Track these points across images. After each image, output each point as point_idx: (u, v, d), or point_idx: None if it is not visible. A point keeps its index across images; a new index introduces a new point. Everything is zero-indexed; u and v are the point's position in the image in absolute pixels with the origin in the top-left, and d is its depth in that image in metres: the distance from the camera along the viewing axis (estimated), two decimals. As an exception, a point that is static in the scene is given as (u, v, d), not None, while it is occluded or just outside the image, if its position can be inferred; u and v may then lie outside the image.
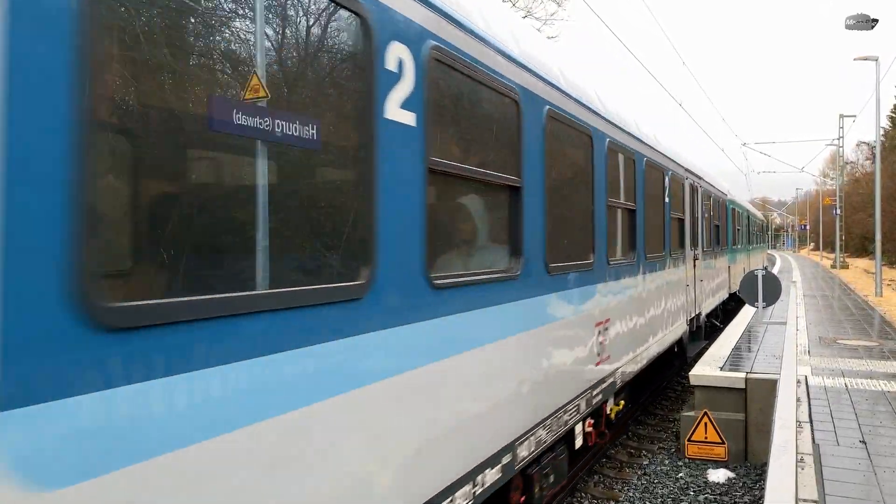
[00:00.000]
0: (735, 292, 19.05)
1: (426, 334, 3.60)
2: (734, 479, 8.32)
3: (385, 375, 3.27)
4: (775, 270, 35.70)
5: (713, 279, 15.41)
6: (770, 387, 8.77)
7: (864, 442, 6.67)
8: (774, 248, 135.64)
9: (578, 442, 6.55)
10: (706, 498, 7.79)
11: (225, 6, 2.59)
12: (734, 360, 10.38)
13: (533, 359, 5.15)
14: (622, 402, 8.06)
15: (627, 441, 10.07)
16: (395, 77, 3.27)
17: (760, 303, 12.26)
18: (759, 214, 37.46)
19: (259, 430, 2.51)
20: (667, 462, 8.97)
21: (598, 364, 6.78)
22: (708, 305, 14.50)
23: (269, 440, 2.56)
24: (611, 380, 7.21)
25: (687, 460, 8.95)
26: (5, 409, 1.70)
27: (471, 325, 4.14)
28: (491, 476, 4.36)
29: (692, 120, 29.04)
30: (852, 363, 10.75)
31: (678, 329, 10.88)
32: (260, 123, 2.54)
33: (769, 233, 48.10)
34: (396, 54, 3.28)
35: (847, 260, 53.99)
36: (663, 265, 9.62)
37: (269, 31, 2.71)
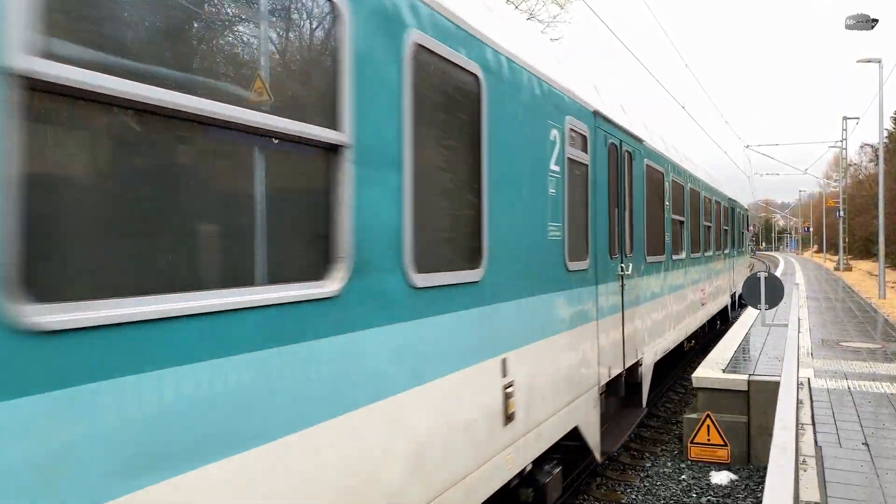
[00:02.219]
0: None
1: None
2: (737, 481, 8.32)
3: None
4: (778, 272, 35.63)
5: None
6: (773, 389, 8.76)
7: (866, 444, 6.68)
8: (777, 250, 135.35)
9: None
10: (708, 500, 7.79)
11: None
12: (737, 363, 10.38)
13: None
14: None
15: (630, 443, 10.08)
16: None
17: (763, 305, 12.25)
18: (719, 188, 17.52)
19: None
20: (669, 464, 8.97)
21: None
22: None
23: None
24: None
25: (689, 462, 8.95)
26: None
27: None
28: None
29: (695, 122, 29.10)
30: (855, 365, 10.74)
31: None
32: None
33: (747, 228, 27.55)
34: None
35: (850, 262, 53.92)
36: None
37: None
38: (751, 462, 8.92)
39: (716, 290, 16.09)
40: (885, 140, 41.47)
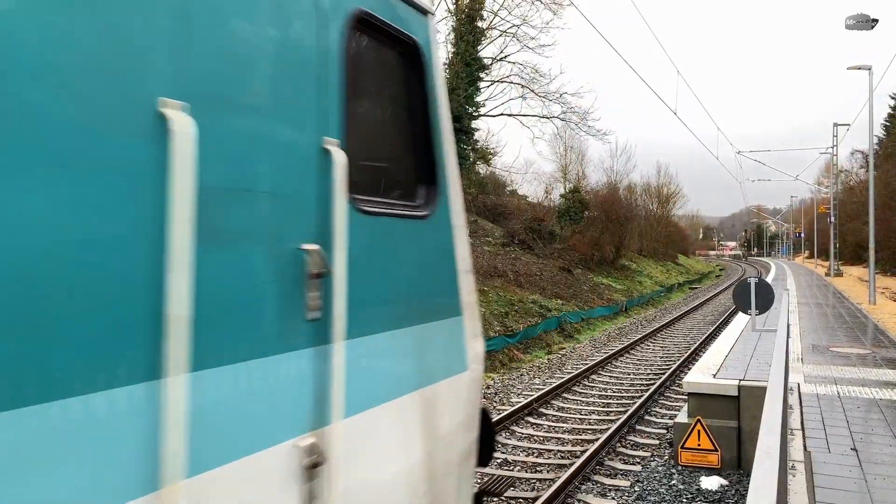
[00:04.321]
0: None
1: None
2: (727, 486, 8.32)
3: None
4: (769, 278, 35.77)
5: None
6: (763, 394, 8.76)
7: (855, 449, 6.69)
8: (769, 255, 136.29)
9: None
10: (699, 505, 7.79)
11: None
12: (727, 368, 10.39)
13: None
14: None
15: (621, 448, 10.08)
16: None
17: (753, 310, 12.29)
18: None
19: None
20: (660, 469, 8.97)
21: None
22: None
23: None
24: None
25: (680, 467, 8.95)
26: None
27: None
28: None
29: (687, 128, 29.20)
30: (845, 371, 10.78)
31: None
32: None
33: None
34: None
35: (841, 268, 54.23)
36: None
37: None
38: (741, 467, 8.92)
39: None
40: (876, 146, 41.80)
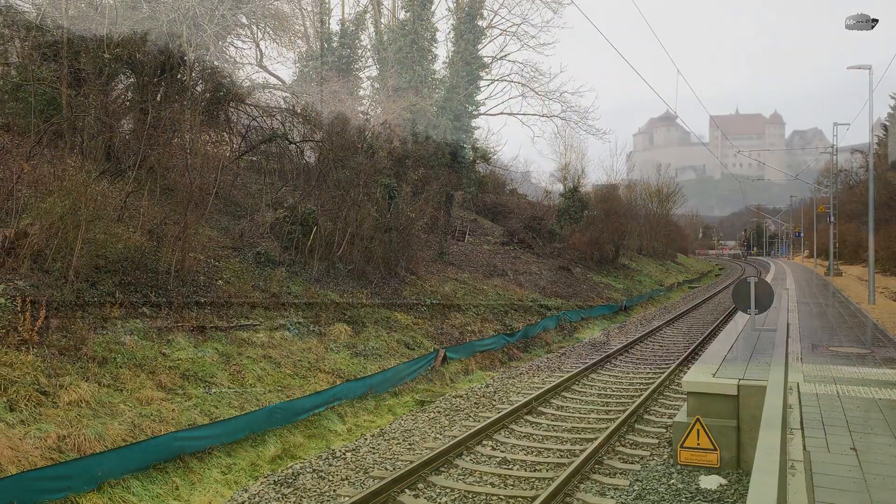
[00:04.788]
0: None
1: None
2: (726, 485, 8.32)
3: None
4: (769, 278, 35.76)
5: None
6: (762, 393, 8.76)
7: (854, 449, 6.68)
8: (769, 255, 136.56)
9: None
10: (698, 504, 7.78)
11: None
12: (727, 367, 10.38)
13: None
14: None
15: (620, 447, 10.08)
16: None
17: (753, 310, 12.29)
18: None
19: None
20: (659, 468, 8.97)
21: None
22: None
23: None
24: None
25: (679, 467, 8.95)
26: None
27: None
28: None
29: (687, 128, 29.18)
30: (845, 370, 10.77)
31: None
32: None
33: None
34: None
35: (841, 267, 54.25)
36: None
37: None
38: (740, 466, 8.92)
39: None
40: (875, 146, 41.78)
